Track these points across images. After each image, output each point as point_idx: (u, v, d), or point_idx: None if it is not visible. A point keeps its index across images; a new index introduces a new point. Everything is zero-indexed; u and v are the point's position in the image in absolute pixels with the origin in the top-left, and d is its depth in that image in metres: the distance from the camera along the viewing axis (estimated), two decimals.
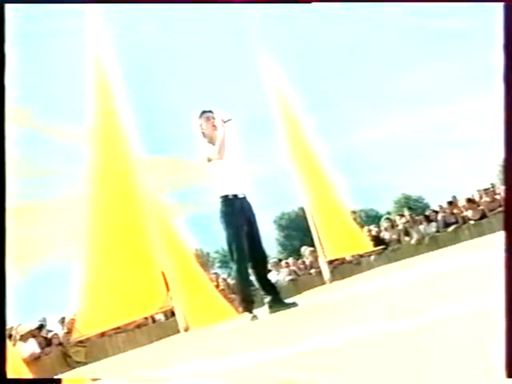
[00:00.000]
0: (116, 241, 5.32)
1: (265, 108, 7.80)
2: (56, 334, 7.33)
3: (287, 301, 4.53)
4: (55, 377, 4.89)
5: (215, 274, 9.58)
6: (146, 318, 7.27)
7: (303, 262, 9.43)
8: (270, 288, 4.41)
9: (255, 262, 4.40)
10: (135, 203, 5.44)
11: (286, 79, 7.89)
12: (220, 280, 8.84)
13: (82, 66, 5.43)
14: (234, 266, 4.32)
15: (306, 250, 9.70)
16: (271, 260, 9.55)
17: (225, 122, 4.43)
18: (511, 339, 1.56)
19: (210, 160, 4.37)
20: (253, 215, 4.45)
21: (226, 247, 4.47)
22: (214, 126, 4.44)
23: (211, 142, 4.45)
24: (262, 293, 4.40)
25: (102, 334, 6.85)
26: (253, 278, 4.45)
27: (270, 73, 7.78)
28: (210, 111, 4.55)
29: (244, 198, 4.42)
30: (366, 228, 9.62)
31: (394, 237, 9.38)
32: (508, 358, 1.47)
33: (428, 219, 9.48)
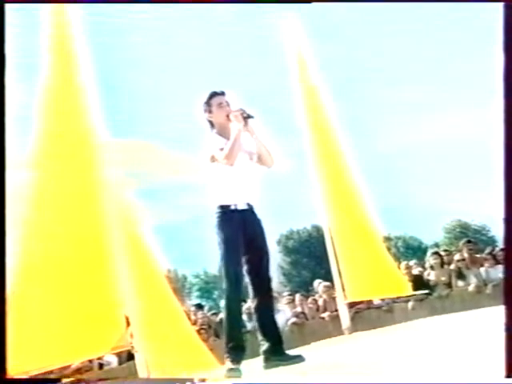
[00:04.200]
0: (60, 250, 5.33)
1: (284, 99, 7.88)
2: None
3: (290, 353, 4.55)
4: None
5: (193, 306, 9.61)
6: (90, 361, 7.26)
7: (314, 302, 9.43)
8: (271, 333, 4.47)
9: (257, 296, 4.47)
10: (91, 200, 5.46)
11: (313, 70, 7.91)
12: (199, 315, 8.86)
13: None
14: (223, 299, 4.41)
15: (319, 285, 9.70)
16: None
17: (245, 117, 4.48)
18: (511, 339, 1.80)
19: (213, 160, 4.44)
20: (260, 233, 4.54)
21: (208, 270, 4.60)
22: (227, 116, 4.51)
23: (222, 134, 4.52)
24: (259, 337, 4.45)
25: None
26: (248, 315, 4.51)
27: (293, 58, 7.81)
28: (223, 93, 4.61)
29: (247, 210, 4.52)
30: (403, 263, 9.61)
31: (443, 279, 9.37)
32: (508, 358, 1.72)
33: (494, 259, 9.46)
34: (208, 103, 4.59)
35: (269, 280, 4.58)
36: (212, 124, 4.60)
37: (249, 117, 4.53)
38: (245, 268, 4.46)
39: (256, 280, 4.49)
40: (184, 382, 4.29)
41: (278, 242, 37.77)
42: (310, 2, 5.08)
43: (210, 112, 4.58)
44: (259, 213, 4.63)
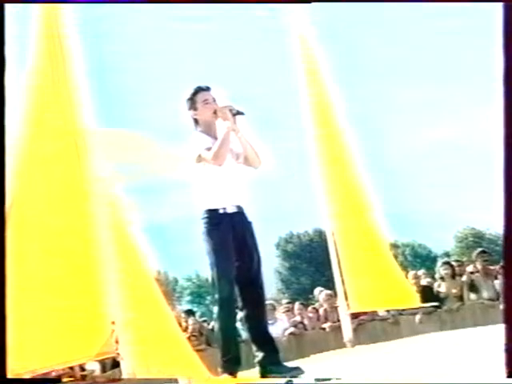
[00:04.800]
0: (42, 248, 5.32)
1: (290, 98, 7.89)
2: None
3: (288, 364, 4.57)
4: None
5: (184, 312, 9.61)
6: (71, 368, 7.26)
7: (314, 311, 9.43)
8: (264, 342, 4.51)
9: (247, 304, 4.48)
10: (77, 195, 5.45)
11: (321, 68, 7.90)
12: (190, 321, 8.87)
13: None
14: (216, 308, 4.42)
15: (320, 294, 9.70)
16: (266, 302, 9.54)
17: (234, 114, 4.49)
18: (511, 339, 1.94)
19: (200, 161, 4.45)
20: (250, 238, 4.56)
21: (200, 273, 4.65)
22: (214, 113, 4.52)
23: (208, 133, 4.53)
24: (253, 348, 4.48)
25: None
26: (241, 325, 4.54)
27: (296, 43, 7.80)
28: (208, 88, 4.61)
29: (237, 213, 4.53)
30: (411, 273, 9.61)
31: (454, 291, 9.36)
32: (508, 358, 1.87)
33: None
34: (192, 100, 4.60)
35: (261, 287, 4.61)
36: (197, 122, 4.61)
37: (238, 113, 4.52)
38: (235, 275, 4.47)
39: (247, 288, 4.52)
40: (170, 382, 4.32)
41: (277, 246, 37.73)
42: (309, 2, 5.32)
43: (195, 109, 4.59)
44: (257, 214, 4.64)
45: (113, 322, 5.28)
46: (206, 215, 4.49)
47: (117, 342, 5.28)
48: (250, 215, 4.65)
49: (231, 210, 4.50)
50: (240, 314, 4.64)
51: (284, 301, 10.35)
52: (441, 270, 9.65)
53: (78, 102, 5.54)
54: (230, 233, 4.46)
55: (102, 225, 5.43)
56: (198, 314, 9.95)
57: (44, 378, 5.14)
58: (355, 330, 7.77)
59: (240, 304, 4.54)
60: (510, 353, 1.84)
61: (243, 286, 4.51)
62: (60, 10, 5.60)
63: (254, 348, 4.50)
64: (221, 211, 4.48)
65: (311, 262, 34.47)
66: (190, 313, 9.62)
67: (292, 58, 7.73)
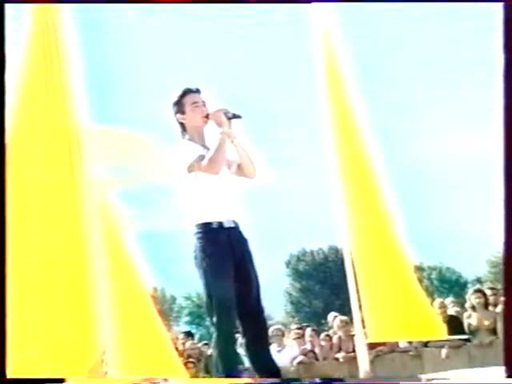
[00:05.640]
0: (30, 258, 5.36)
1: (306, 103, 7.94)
2: None
3: None
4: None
5: (182, 333, 9.64)
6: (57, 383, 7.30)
7: (327, 338, 9.43)
8: (269, 372, 4.49)
9: (248, 330, 4.51)
10: (67, 201, 5.48)
11: (342, 69, 7.94)
12: (187, 344, 8.88)
13: None
14: (214, 333, 4.41)
15: (334, 319, 9.70)
16: (273, 327, 9.55)
17: (230, 118, 4.51)
18: (511, 339, 2.05)
19: (192, 170, 4.45)
20: (248, 256, 4.58)
21: (201, 291, 4.67)
22: (204, 117, 4.52)
23: (197, 140, 4.54)
24: (255, 376, 4.50)
25: None
26: (243, 351, 4.54)
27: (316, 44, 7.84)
28: (198, 90, 4.61)
29: (234, 228, 4.53)
30: (438, 300, 9.60)
31: (487, 323, 9.33)
32: (508, 358, 2.00)
33: None
34: (180, 102, 4.61)
35: (261, 311, 4.62)
36: (184, 128, 4.62)
37: (234, 117, 4.53)
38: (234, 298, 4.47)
39: (247, 313, 4.52)
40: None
41: (287, 264, 37.71)
42: (309, 2, 5.70)
43: (183, 113, 4.60)
44: (264, 228, 4.67)
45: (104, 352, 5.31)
46: (199, 230, 4.49)
47: (107, 363, 5.31)
48: (255, 229, 4.66)
49: (228, 224, 4.50)
50: (241, 340, 4.64)
51: (293, 326, 10.35)
52: (472, 298, 9.60)
53: (73, 100, 5.59)
54: (227, 249, 4.46)
55: (94, 235, 5.46)
56: (197, 337, 9.97)
57: (45, 378, 5.19)
58: (372, 362, 7.75)
59: (241, 329, 4.54)
60: (510, 354, 1.90)
61: (243, 311, 4.50)
62: (55, 9, 5.70)
63: (257, 376, 4.51)
64: (215, 225, 4.47)
65: (325, 283, 34.44)
66: (188, 335, 9.65)
67: (306, 60, 7.78)
